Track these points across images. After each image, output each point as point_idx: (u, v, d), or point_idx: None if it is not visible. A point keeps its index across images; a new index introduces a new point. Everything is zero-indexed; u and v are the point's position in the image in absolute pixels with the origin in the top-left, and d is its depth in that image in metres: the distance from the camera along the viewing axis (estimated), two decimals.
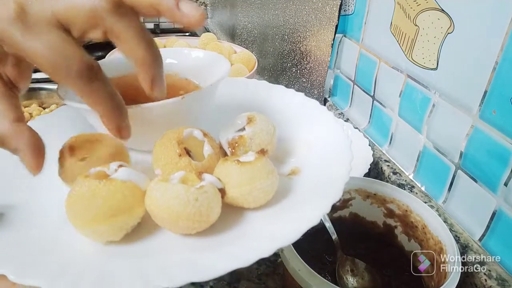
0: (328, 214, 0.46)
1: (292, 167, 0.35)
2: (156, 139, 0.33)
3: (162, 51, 0.46)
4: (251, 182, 0.29)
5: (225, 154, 0.34)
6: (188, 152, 0.31)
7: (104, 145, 0.32)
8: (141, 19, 0.29)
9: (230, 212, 0.30)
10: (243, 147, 0.33)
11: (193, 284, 0.25)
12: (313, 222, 0.27)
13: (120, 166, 0.29)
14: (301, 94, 0.43)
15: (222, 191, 0.29)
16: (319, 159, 0.35)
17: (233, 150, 0.33)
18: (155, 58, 0.29)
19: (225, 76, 0.37)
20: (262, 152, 0.31)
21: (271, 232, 0.28)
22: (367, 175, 0.55)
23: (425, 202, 0.45)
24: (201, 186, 0.27)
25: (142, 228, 0.29)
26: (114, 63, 0.43)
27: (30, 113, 0.80)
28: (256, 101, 0.44)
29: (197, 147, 0.33)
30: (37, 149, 0.27)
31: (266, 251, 0.25)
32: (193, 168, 0.31)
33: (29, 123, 0.31)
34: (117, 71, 0.42)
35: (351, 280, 0.42)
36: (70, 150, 0.31)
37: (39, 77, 1.12)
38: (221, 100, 0.41)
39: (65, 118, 0.41)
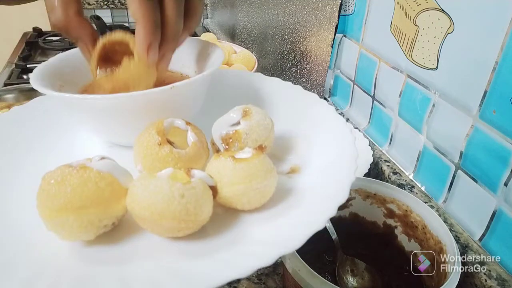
0: None
1: (291, 165, 0.32)
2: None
3: None
4: (247, 181, 0.26)
5: (217, 151, 0.31)
6: (170, 143, 0.28)
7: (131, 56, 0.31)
8: None
9: (223, 213, 0.27)
10: (238, 143, 0.30)
11: None
12: (317, 226, 0.24)
13: (103, 158, 0.26)
14: (299, 87, 0.40)
15: (214, 189, 0.26)
16: (321, 156, 0.32)
17: (227, 146, 0.30)
18: (155, 26, 0.29)
19: (219, 65, 0.34)
20: (260, 148, 0.28)
21: (271, 237, 0.25)
22: (367, 175, 0.55)
23: (425, 202, 0.45)
24: (188, 181, 0.24)
25: (124, 230, 0.26)
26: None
27: None
28: (251, 94, 0.41)
29: (181, 137, 0.30)
30: (95, 40, 0.31)
31: (267, 259, 0.22)
32: (176, 158, 0.27)
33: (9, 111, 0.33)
34: None
35: (351, 280, 0.42)
36: (102, 50, 0.32)
37: None
38: (212, 93, 0.38)
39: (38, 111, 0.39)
